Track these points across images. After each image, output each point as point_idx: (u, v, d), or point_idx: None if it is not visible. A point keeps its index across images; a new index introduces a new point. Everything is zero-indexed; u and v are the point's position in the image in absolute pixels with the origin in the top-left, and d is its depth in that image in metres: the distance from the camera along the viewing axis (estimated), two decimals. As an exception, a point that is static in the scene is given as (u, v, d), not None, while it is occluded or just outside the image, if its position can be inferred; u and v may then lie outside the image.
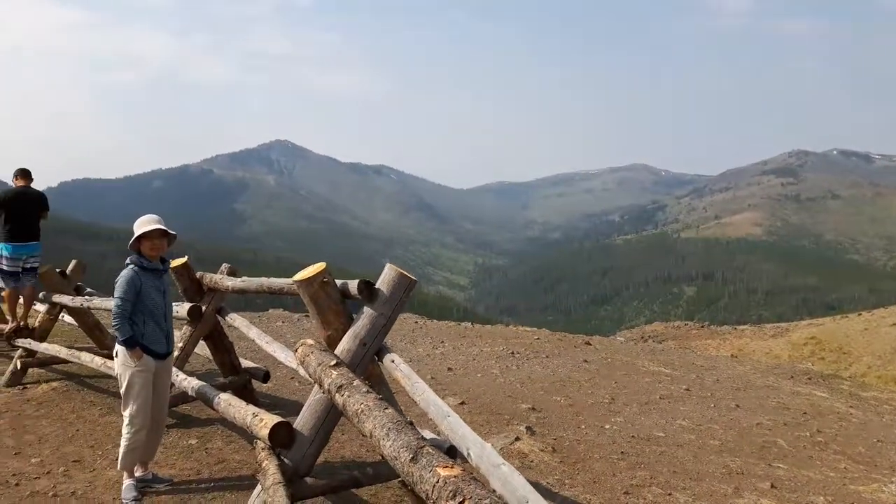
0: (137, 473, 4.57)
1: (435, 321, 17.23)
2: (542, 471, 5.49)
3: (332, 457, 5.35)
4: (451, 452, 3.95)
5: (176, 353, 5.51)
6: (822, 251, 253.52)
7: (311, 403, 3.91)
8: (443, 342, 12.43)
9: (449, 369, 9.68)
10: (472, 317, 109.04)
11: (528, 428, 6.53)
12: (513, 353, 11.93)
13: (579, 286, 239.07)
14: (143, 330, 4.46)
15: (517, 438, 6.16)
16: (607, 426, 7.32)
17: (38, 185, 8.18)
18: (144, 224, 4.45)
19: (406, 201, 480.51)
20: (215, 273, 6.16)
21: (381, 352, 3.93)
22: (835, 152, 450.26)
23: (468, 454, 2.90)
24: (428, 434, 4.43)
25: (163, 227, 4.47)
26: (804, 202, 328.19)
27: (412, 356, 10.65)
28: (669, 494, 5.28)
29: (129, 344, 4.42)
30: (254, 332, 6.06)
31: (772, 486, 5.83)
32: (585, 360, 11.99)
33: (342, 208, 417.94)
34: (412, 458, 2.38)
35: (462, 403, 7.50)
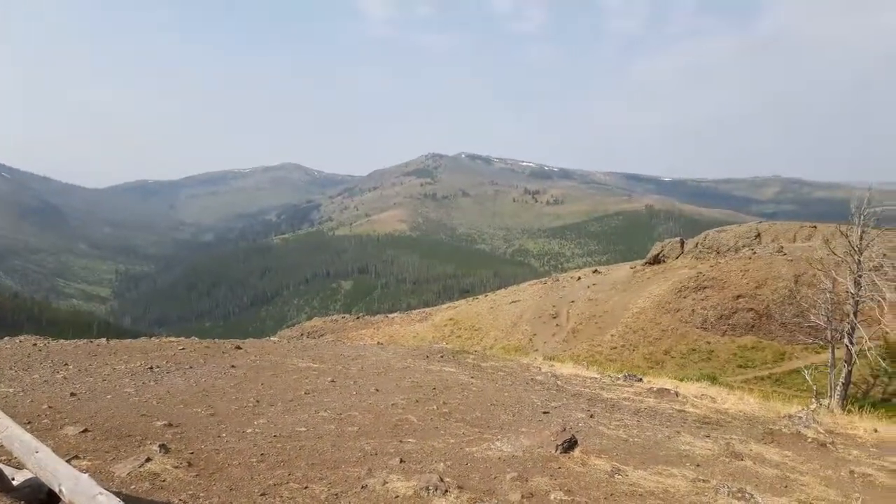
0: None
1: (60, 341, 15.03)
2: (175, 488, 5.21)
3: None
4: (52, 494, 3.53)
5: None
6: (456, 243, 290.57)
7: None
8: (66, 364, 10.92)
9: (72, 394, 8.53)
10: (118, 331, 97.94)
11: (161, 446, 6.12)
12: (152, 367, 11.08)
13: (238, 288, 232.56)
14: None
15: (148, 459, 5.72)
16: (249, 430, 7.27)
17: None
18: None
19: (24, 203, 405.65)
20: None
21: (-52, 390, 3.30)
22: (463, 156, 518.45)
23: (60, 490, 2.64)
24: (29, 474, 3.88)
25: None
26: (440, 200, 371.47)
27: (26, 384, 9.12)
28: (306, 487, 5.47)
29: None
30: None
31: (401, 460, 6.43)
32: (233, 366, 11.76)
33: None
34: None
35: (85, 431, 6.68)
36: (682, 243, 60.75)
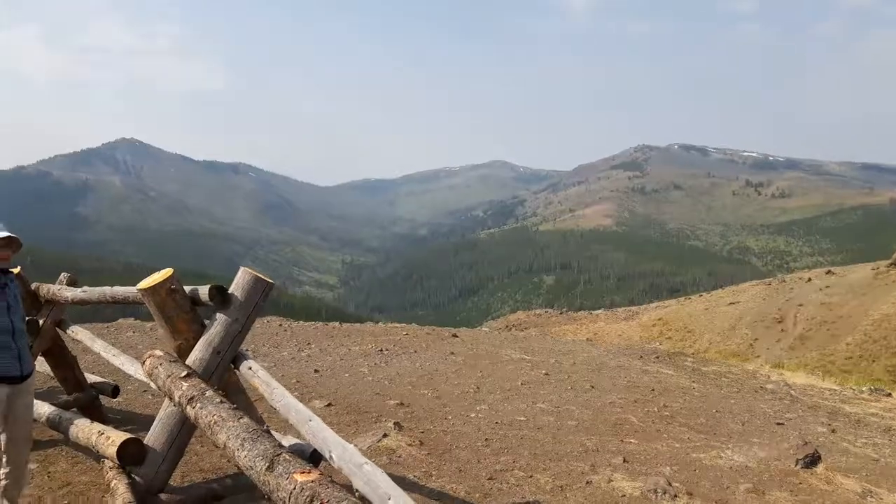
0: None
1: (301, 323, 16.85)
2: (410, 465, 5.55)
3: (190, 470, 5.08)
4: (316, 457, 3.90)
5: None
6: (666, 239, 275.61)
7: (163, 417, 3.73)
8: (309, 344, 12.20)
9: (315, 371, 9.51)
10: (343, 316, 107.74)
11: (396, 424, 6.57)
12: (381, 350, 11.96)
13: (447, 280, 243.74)
14: None
15: (385, 435, 6.18)
16: (472, 415, 7.54)
17: None
18: None
19: (267, 200, 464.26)
20: (53, 283, 5.69)
21: (237, 359, 3.80)
22: (676, 146, 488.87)
23: (330, 457, 2.89)
24: (292, 440, 4.35)
25: (7, 233, 3.84)
26: (649, 194, 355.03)
27: (276, 360, 10.35)
28: (531, 476, 5.52)
29: None
30: (98, 345, 5.64)
31: (624, 460, 6.25)
32: (452, 353, 12.28)
33: (198, 209, 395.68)
34: (268, 466, 2.33)
35: (329, 405, 7.40)
36: (937, 242, 51.70)
